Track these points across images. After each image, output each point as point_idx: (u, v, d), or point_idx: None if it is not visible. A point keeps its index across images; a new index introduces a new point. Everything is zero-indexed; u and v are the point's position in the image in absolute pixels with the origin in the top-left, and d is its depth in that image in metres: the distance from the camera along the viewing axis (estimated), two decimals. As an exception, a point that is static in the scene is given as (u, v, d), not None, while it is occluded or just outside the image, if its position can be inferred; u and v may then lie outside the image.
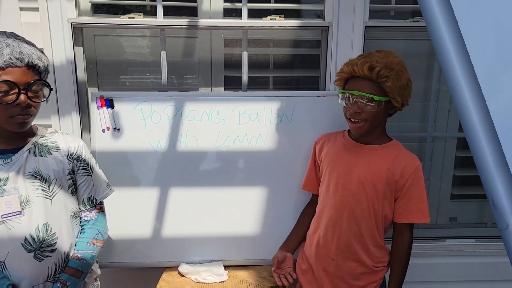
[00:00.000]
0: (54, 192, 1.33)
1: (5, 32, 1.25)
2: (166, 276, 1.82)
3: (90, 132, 1.89)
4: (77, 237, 1.44)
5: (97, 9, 2.05)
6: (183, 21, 1.88)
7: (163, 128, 1.87)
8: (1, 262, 1.27)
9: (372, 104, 1.50)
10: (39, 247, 1.29)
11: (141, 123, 1.87)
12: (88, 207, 1.48)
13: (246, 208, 1.91)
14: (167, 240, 1.88)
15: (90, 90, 1.97)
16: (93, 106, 1.85)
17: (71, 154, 1.41)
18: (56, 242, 1.32)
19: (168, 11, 1.97)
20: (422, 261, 2.11)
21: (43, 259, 1.30)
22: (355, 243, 1.62)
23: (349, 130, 1.69)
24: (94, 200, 1.49)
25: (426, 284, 2.13)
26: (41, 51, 1.30)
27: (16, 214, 1.26)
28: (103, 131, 1.85)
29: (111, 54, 2.05)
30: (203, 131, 1.88)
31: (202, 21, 1.89)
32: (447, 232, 2.21)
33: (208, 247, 1.90)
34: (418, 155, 2.12)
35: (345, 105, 1.57)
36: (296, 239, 1.81)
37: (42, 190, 1.31)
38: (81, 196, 1.45)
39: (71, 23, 1.82)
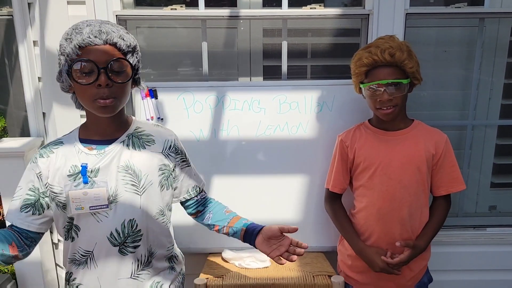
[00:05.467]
0: (144, 188, 1.26)
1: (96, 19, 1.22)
2: (210, 262, 1.86)
3: (134, 122, 1.94)
4: (158, 235, 1.34)
5: (140, 1, 2.09)
6: (224, 11, 1.91)
7: (205, 118, 1.91)
8: (90, 251, 1.25)
9: (401, 88, 1.56)
10: (124, 242, 1.25)
11: (184, 112, 1.90)
12: (194, 196, 1.44)
13: (287, 195, 1.94)
14: (211, 227, 1.92)
15: (134, 81, 2.02)
16: (137, 97, 1.90)
17: (168, 148, 1.33)
18: (141, 239, 1.27)
19: (209, 2, 2.00)
20: (463, 250, 2.10)
21: (127, 254, 1.26)
22: (405, 230, 1.65)
23: (369, 120, 1.74)
24: (198, 189, 1.45)
25: (467, 272, 2.12)
26: (127, 32, 1.22)
27: (103, 208, 1.22)
28: (148, 120, 1.90)
29: (153, 45, 2.10)
30: (244, 120, 1.91)
31: (243, 11, 1.92)
32: (487, 220, 2.20)
33: (250, 234, 1.93)
34: (458, 143, 2.13)
35: (371, 97, 1.59)
36: (360, 239, 1.74)
37: (132, 185, 1.24)
38: (186, 187, 1.41)
39: (116, 15, 1.87)
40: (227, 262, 1.86)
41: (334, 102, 1.91)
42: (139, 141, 1.29)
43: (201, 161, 1.91)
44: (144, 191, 1.26)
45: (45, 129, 2.12)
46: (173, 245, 1.42)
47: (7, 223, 1.31)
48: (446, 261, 2.10)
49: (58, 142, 1.28)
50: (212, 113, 1.91)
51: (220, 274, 1.75)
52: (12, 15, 2.07)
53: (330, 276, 1.72)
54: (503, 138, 2.24)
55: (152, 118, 1.90)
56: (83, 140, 1.27)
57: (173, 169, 1.35)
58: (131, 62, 1.20)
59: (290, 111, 1.91)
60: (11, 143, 2.00)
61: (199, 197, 1.46)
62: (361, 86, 1.62)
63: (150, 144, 1.30)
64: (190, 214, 1.49)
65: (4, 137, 2.24)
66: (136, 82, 1.28)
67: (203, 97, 1.90)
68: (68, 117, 1.94)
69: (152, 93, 1.90)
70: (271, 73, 2.13)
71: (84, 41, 1.12)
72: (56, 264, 2.24)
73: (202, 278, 1.70)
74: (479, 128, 2.22)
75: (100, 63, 1.13)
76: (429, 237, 1.67)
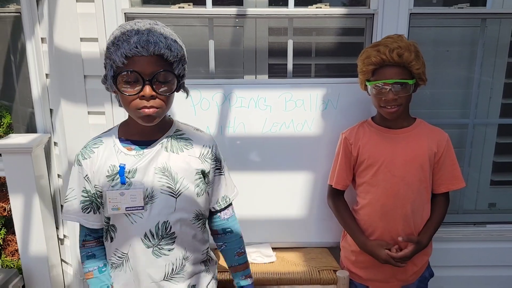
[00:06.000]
0: (179, 191, 1.25)
1: (145, 20, 1.19)
2: (217, 257, 1.88)
3: (142, 119, 1.96)
4: (193, 239, 1.33)
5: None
6: (231, 10, 1.93)
7: (212, 115, 1.93)
8: (125, 254, 1.27)
9: (406, 88, 1.59)
10: (157, 244, 1.25)
11: (191, 110, 1.93)
12: (223, 207, 1.40)
13: (291, 191, 1.97)
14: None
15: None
16: (145, 94, 1.91)
17: (206, 154, 1.32)
18: (174, 241, 1.27)
19: (216, 0, 2.02)
20: (464, 246, 2.15)
21: (161, 256, 1.26)
22: (408, 226, 1.68)
23: (372, 118, 1.77)
24: (228, 199, 1.41)
25: (467, 268, 2.16)
26: (175, 40, 1.19)
27: (139, 209, 1.22)
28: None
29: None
30: (251, 118, 1.94)
31: (250, 10, 1.94)
32: (487, 217, 2.24)
33: (256, 229, 1.97)
34: (459, 142, 2.17)
35: (376, 95, 1.62)
36: (363, 233, 1.76)
37: (168, 187, 1.24)
38: (216, 196, 1.38)
39: (125, 13, 1.89)
40: (234, 257, 1.88)
41: (339, 100, 1.94)
42: (177, 144, 1.28)
43: (207, 158, 1.94)
44: (179, 194, 1.26)
45: (52, 125, 2.14)
46: (208, 248, 1.42)
47: (79, 230, 1.36)
48: (447, 257, 2.14)
49: (98, 141, 1.30)
50: (219, 110, 1.93)
51: (227, 269, 1.77)
52: (19, 12, 2.09)
53: (335, 271, 1.75)
54: (503, 136, 2.28)
55: (159, 115, 1.92)
56: (122, 140, 1.27)
57: (207, 175, 1.33)
58: (176, 73, 1.19)
59: (295, 109, 1.94)
60: (19, 139, 2.02)
61: (222, 214, 1.42)
62: (367, 83, 1.65)
63: (188, 148, 1.29)
64: (210, 229, 1.46)
65: (10, 133, 2.25)
66: (180, 87, 1.27)
67: (209, 94, 1.92)
68: (75, 114, 1.96)
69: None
70: (275, 71, 2.16)
71: (131, 51, 1.12)
72: (62, 260, 2.26)
73: (209, 272, 1.73)
74: (480, 127, 2.26)
75: (146, 75, 1.13)
76: (431, 233, 1.71)
